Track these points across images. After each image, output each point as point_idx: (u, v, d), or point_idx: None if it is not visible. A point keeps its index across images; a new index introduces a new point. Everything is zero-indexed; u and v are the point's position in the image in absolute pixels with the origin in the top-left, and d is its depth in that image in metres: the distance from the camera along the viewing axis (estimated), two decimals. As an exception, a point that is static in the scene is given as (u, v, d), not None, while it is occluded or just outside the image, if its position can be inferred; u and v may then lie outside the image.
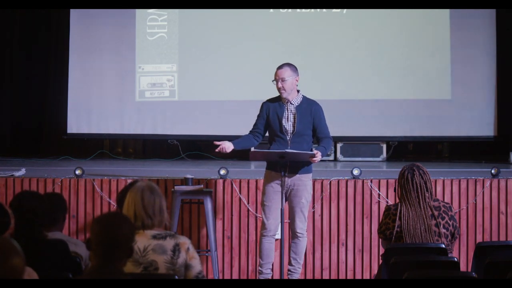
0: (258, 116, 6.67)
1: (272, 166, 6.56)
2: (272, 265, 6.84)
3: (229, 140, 6.58)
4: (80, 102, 10.06)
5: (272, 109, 6.59)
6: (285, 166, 6.39)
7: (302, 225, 6.61)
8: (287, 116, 6.56)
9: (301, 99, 6.60)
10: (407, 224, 5.33)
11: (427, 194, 5.39)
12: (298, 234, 6.60)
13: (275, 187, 6.53)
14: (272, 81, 6.56)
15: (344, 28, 9.95)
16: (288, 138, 6.54)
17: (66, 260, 4.54)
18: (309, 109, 6.57)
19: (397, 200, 5.51)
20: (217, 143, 6.52)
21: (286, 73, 6.52)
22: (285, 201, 6.55)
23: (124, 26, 10.06)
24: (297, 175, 6.52)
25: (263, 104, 6.68)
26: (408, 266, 4.67)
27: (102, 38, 10.07)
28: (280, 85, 6.51)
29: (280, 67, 6.56)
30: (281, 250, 6.49)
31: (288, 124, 6.55)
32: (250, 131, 6.69)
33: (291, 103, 6.57)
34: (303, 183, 6.57)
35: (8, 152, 10.14)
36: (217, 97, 9.94)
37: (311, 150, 6.50)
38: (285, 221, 7.06)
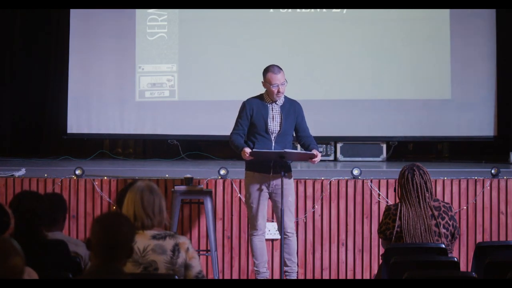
0: (241, 116, 6.61)
1: (256, 167, 6.55)
2: (272, 264, 6.84)
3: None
4: (80, 102, 10.06)
5: (256, 108, 6.58)
6: (274, 166, 6.42)
7: (292, 224, 6.63)
8: (273, 116, 6.57)
9: (284, 98, 6.63)
10: (407, 224, 5.33)
11: (427, 194, 5.39)
12: (289, 234, 6.59)
13: (262, 188, 6.55)
14: (272, 86, 6.51)
15: (344, 28, 9.94)
16: (272, 138, 6.55)
17: (66, 260, 4.54)
18: (293, 109, 6.61)
19: (397, 200, 5.51)
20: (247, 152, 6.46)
21: (284, 76, 6.56)
22: (268, 199, 6.60)
23: (124, 26, 10.05)
24: (282, 175, 6.52)
25: (245, 104, 6.64)
26: (408, 266, 4.67)
27: (102, 38, 10.06)
28: (281, 89, 6.53)
29: (278, 72, 6.53)
30: (281, 250, 6.50)
31: (273, 124, 6.56)
32: (236, 133, 6.61)
33: (275, 103, 6.58)
34: (288, 181, 6.59)
35: (8, 152, 10.14)
36: (217, 97, 9.94)
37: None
38: (273, 220, 7.09)
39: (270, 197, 6.60)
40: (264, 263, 6.69)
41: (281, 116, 6.56)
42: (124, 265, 3.54)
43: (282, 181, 6.45)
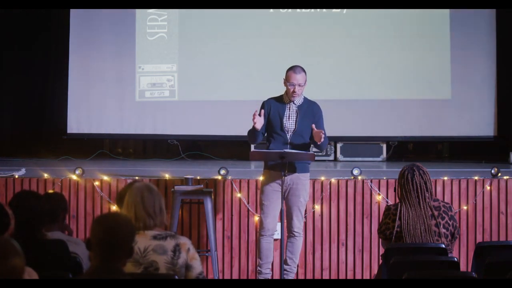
0: (259, 115, 6.67)
1: (272, 165, 6.57)
2: (272, 264, 6.84)
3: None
4: (80, 102, 10.06)
5: (273, 107, 6.63)
6: (285, 165, 6.40)
7: (299, 224, 6.64)
8: (289, 114, 6.60)
9: (303, 99, 6.65)
10: (407, 224, 5.33)
11: (427, 194, 5.39)
12: (295, 233, 6.62)
13: (274, 187, 6.55)
14: (289, 84, 6.54)
15: (344, 28, 9.95)
16: (288, 136, 6.57)
17: (66, 260, 4.54)
18: (311, 110, 6.63)
19: (397, 200, 5.52)
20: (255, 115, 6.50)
21: (304, 78, 6.58)
22: (283, 200, 6.57)
23: (124, 26, 10.06)
24: (296, 174, 6.55)
25: (264, 102, 6.70)
26: (408, 266, 4.67)
27: (102, 38, 10.07)
28: (297, 90, 6.53)
29: (298, 72, 6.56)
30: (281, 250, 6.50)
31: (289, 123, 6.58)
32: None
33: (293, 103, 6.61)
34: (302, 182, 6.60)
35: (8, 152, 10.13)
36: (217, 97, 9.94)
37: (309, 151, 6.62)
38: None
39: (283, 197, 6.57)
40: (268, 264, 6.69)
41: (297, 115, 6.59)
42: (124, 265, 3.54)
43: (283, 180, 6.44)
